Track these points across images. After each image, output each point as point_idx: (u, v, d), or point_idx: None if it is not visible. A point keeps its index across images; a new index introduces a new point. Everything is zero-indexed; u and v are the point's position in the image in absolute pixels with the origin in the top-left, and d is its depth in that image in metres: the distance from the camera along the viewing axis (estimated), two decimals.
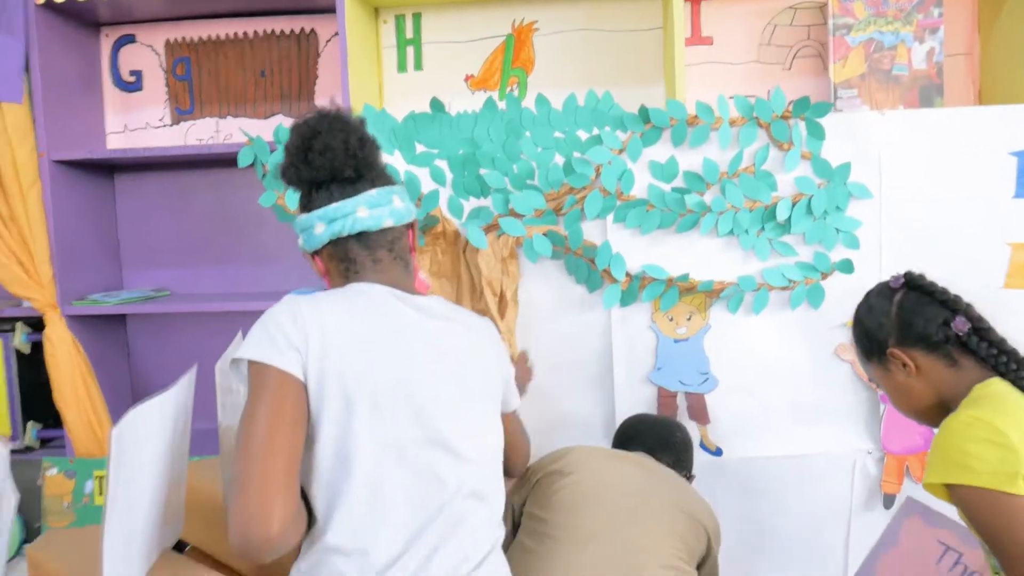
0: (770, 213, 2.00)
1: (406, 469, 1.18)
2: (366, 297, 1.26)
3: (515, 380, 1.52)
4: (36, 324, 2.32)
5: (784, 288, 2.02)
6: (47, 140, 2.23)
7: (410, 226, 1.40)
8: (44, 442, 2.43)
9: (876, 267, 2.00)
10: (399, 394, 1.18)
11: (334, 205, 1.28)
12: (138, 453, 1.19)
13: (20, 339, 2.34)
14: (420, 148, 2.07)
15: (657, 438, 1.85)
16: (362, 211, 1.29)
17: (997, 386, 1.32)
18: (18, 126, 2.18)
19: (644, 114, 2.00)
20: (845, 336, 2.04)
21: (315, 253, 1.34)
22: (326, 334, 1.17)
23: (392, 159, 2.07)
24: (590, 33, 2.35)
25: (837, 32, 2.06)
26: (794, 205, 1.99)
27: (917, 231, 1.98)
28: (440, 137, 2.06)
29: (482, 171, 2.04)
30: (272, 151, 2.08)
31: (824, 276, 2.02)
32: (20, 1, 2.17)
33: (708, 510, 1.67)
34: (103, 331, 2.47)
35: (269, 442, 1.09)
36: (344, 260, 1.31)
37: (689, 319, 2.07)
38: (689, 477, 1.86)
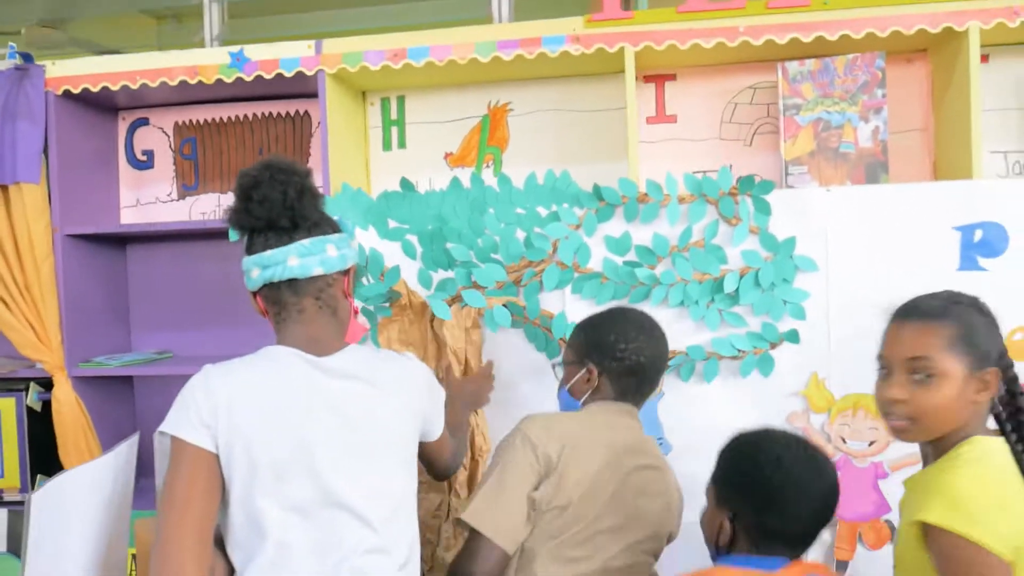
0: (719, 285, 2.08)
1: (310, 530, 1.29)
2: (275, 364, 1.37)
3: (480, 391, 1.90)
4: (48, 384, 2.51)
5: (734, 357, 2.10)
6: (61, 216, 2.44)
7: (345, 273, 1.47)
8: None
9: (824, 337, 2.07)
10: (300, 461, 1.30)
11: (268, 252, 1.38)
12: (62, 516, 1.30)
13: (32, 398, 2.53)
14: (392, 224, 2.22)
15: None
16: (292, 260, 1.38)
17: (996, 449, 1.31)
18: (35, 204, 2.39)
19: (597, 192, 2.12)
20: (797, 404, 2.09)
21: (255, 293, 1.44)
22: (233, 406, 1.30)
23: (367, 234, 2.23)
24: (561, 113, 2.48)
25: (787, 112, 2.16)
26: (742, 277, 2.07)
27: (863, 303, 2.04)
28: (411, 213, 2.21)
29: (449, 245, 2.18)
30: None
31: (773, 346, 2.09)
32: (41, 91, 2.41)
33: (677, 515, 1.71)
34: (111, 391, 2.65)
35: (182, 510, 1.23)
36: (276, 304, 1.42)
37: None
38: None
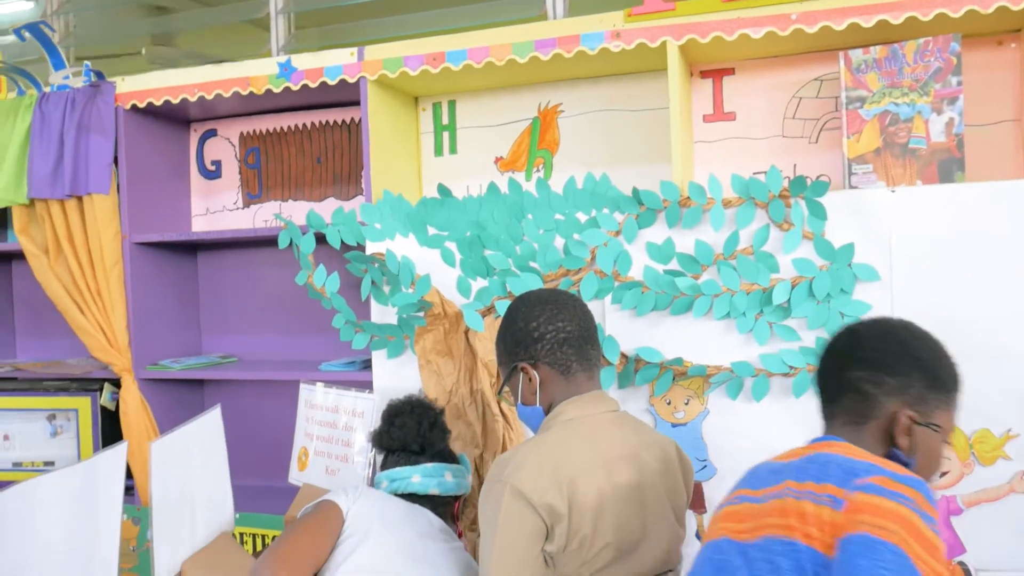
0: (768, 296, 1.92)
1: None
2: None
3: None
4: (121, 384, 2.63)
5: (786, 375, 1.93)
6: (130, 224, 2.55)
7: (457, 498, 1.84)
8: (126, 490, 2.72)
9: None
10: None
11: (397, 469, 1.79)
12: (172, 463, 1.69)
13: (107, 397, 2.66)
14: (432, 231, 2.18)
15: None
16: (416, 477, 1.77)
17: None
18: (105, 213, 2.51)
19: (637, 196, 2.00)
20: None
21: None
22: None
23: (407, 241, 2.20)
24: (613, 113, 2.37)
25: (850, 105, 1.97)
26: (794, 288, 1.90)
27: (934, 318, 1.80)
28: (449, 220, 2.16)
29: (487, 252, 2.11)
30: (304, 234, 2.27)
31: None
32: (111, 106, 2.52)
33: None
34: (180, 393, 2.75)
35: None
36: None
37: (687, 403, 2.01)
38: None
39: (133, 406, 2.53)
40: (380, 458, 1.89)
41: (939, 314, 1.81)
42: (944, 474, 1.85)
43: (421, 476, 1.77)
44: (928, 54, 1.90)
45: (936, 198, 1.84)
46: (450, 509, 1.82)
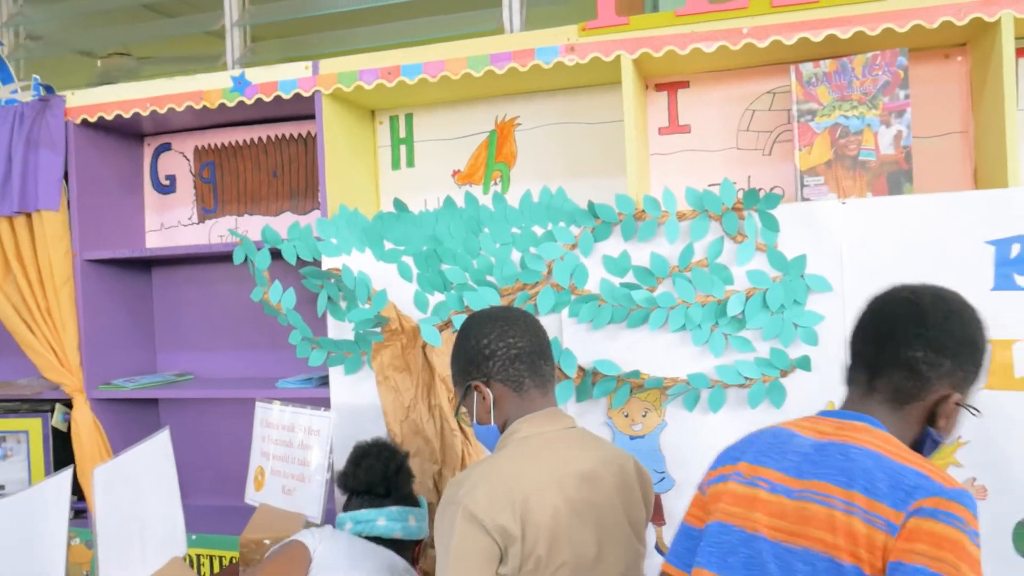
0: (723, 308, 1.93)
1: None
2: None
3: None
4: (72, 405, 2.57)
5: (741, 386, 1.94)
6: (81, 242, 2.50)
7: (418, 542, 1.85)
8: (78, 513, 2.66)
9: (840, 364, 1.87)
10: None
11: (362, 511, 1.79)
12: (118, 487, 1.65)
13: (58, 418, 2.60)
14: (388, 245, 2.16)
15: None
16: (381, 520, 1.78)
17: None
18: (55, 230, 2.45)
19: (592, 209, 2.00)
20: None
21: None
22: None
23: (363, 256, 2.18)
24: (569, 126, 2.38)
25: (802, 118, 1.99)
26: (748, 299, 1.91)
27: None
28: (406, 234, 2.15)
29: (444, 267, 2.10)
30: (259, 249, 2.24)
31: (784, 373, 1.91)
32: (61, 121, 2.47)
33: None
34: (135, 413, 2.70)
35: None
36: None
37: (645, 416, 2.01)
38: None
39: (85, 427, 2.48)
40: (344, 498, 1.88)
41: None
42: None
43: (386, 519, 1.79)
44: (876, 68, 1.93)
45: (885, 210, 1.87)
46: (411, 553, 1.83)
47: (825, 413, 1.30)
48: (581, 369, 2.02)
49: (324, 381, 2.34)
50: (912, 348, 1.22)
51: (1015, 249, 1.79)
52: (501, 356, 1.50)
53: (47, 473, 2.60)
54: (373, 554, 1.71)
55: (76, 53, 3.49)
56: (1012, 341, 1.79)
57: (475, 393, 1.54)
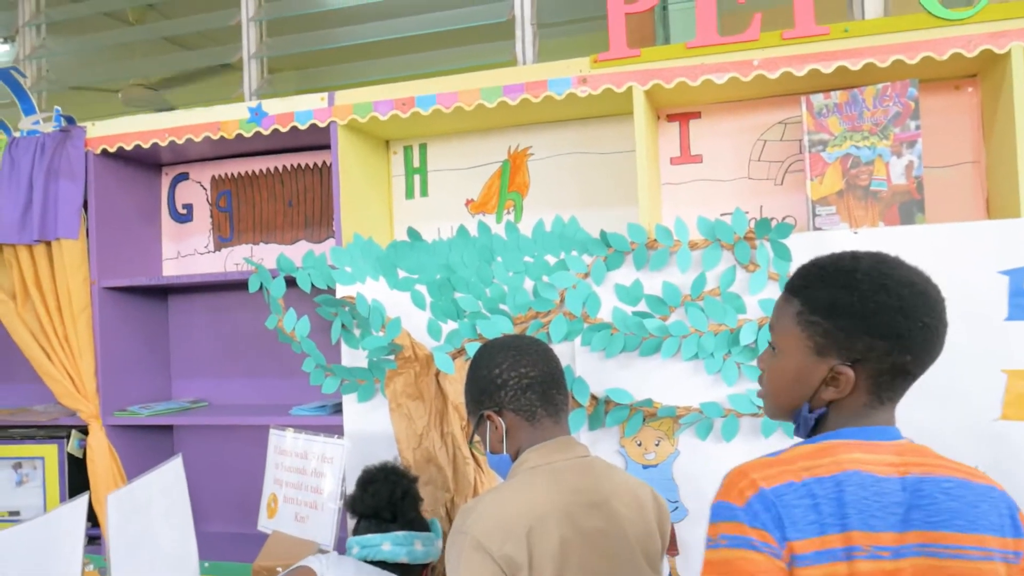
0: (736, 336, 1.93)
1: None
2: None
3: None
4: (88, 431, 2.59)
5: (754, 415, 1.93)
6: (99, 270, 2.53)
7: (425, 566, 1.85)
8: (92, 539, 2.67)
9: None
10: None
11: (367, 536, 1.80)
12: (131, 514, 1.66)
13: (74, 444, 2.61)
14: (402, 274, 2.18)
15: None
16: (386, 545, 1.78)
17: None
18: (73, 258, 2.49)
19: (605, 238, 2.01)
20: None
21: None
22: None
23: (377, 285, 2.20)
24: (582, 156, 2.40)
25: (813, 148, 2.00)
26: (761, 328, 1.92)
27: None
28: (419, 263, 2.17)
29: (457, 295, 2.12)
30: (274, 277, 2.27)
31: None
32: (81, 151, 2.52)
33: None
34: (150, 440, 2.71)
35: None
36: None
37: (658, 445, 2.01)
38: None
39: (100, 453, 2.50)
40: (353, 522, 1.90)
41: None
42: None
43: (391, 544, 1.79)
44: (887, 99, 1.94)
45: (897, 239, 1.87)
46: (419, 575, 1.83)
47: (867, 434, 1.10)
48: (594, 397, 2.03)
49: (338, 408, 2.35)
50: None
51: None
52: (513, 386, 1.51)
53: (62, 499, 2.61)
54: None
55: (97, 90, 3.56)
56: None
57: (488, 422, 1.54)
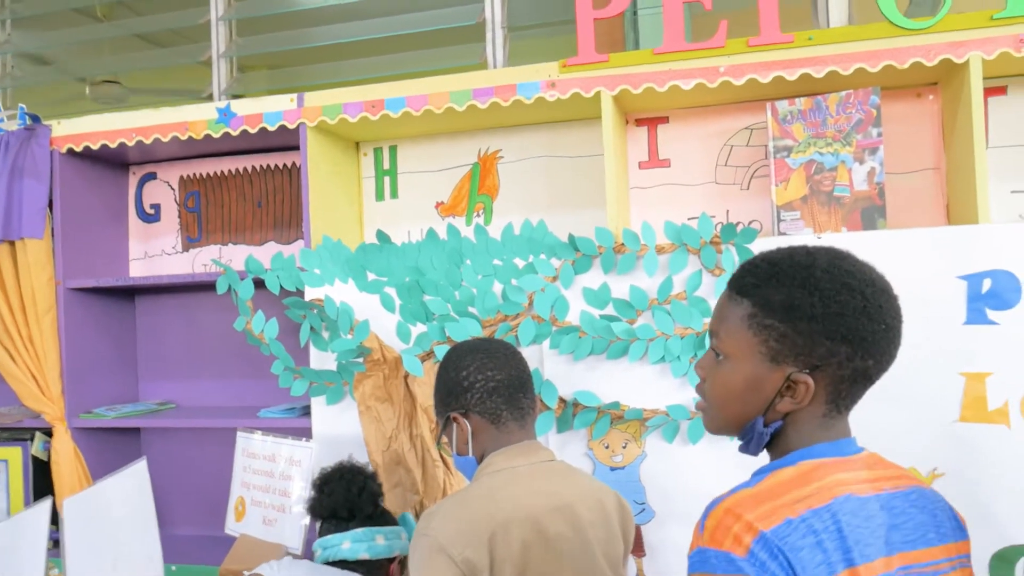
0: (702, 340, 1.96)
1: None
2: None
3: None
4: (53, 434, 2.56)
5: None
6: (64, 270, 2.50)
7: (392, 560, 1.81)
8: (57, 543, 2.64)
9: None
10: None
11: (328, 537, 1.79)
12: (89, 519, 1.63)
13: (38, 447, 2.58)
14: (371, 276, 2.18)
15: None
16: (345, 544, 1.77)
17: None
18: (38, 258, 2.46)
19: (573, 242, 2.03)
20: None
21: None
22: None
23: (346, 287, 2.20)
24: (551, 159, 2.41)
25: (778, 154, 2.03)
26: None
27: None
28: (389, 265, 2.17)
29: (426, 297, 2.12)
30: (243, 279, 2.26)
31: None
32: (46, 150, 2.49)
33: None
34: (117, 442, 2.69)
35: None
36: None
37: (625, 447, 2.03)
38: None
39: (66, 456, 2.47)
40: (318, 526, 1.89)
41: None
42: None
43: (351, 542, 1.78)
44: (850, 106, 1.97)
45: (860, 244, 1.87)
46: (384, 572, 1.81)
47: (840, 450, 1.06)
48: (562, 400, 2.04)
49: (306, 411, 2.34)
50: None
51: (986, 284, 1.83)
52: (479, 389, 1.52)
53: (27, 503, 2.58)
54: None
55: (67, 79, 3.52)
56: (985, 374, 1.82)
57: (454, 424, 1.55)
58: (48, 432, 2.59)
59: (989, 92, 2.07)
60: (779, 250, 1.08)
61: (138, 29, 3.08)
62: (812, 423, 1.05)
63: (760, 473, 1.05)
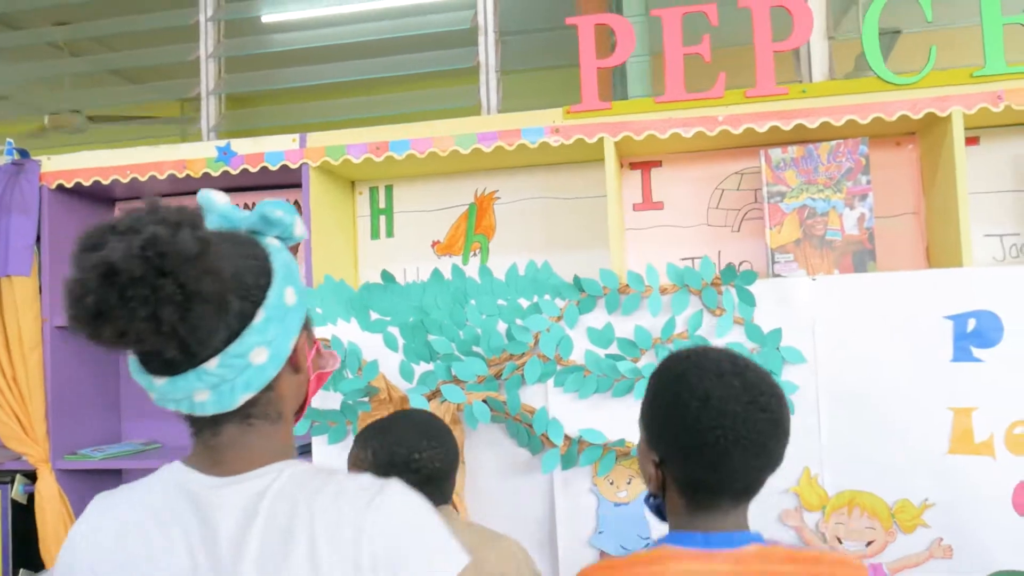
0: None
1: None
2: (153, 497, 1.05)
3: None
4: (35, 476, 2.49)
5: None
6: (51, 308, 2.46)
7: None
8: None
9: (815, 431, 1.99)
10: None
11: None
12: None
13: (18, 490, 2.51)
14: (374, 315, 2.20)
15: None
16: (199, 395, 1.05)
17: None
18: (25, 296, 2.41)
19: (578, 283, 2.08)
20: (789, 502, 2.00)
21: None
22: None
23: (348, 326, 2.21)
24: (547, 200, 2.47)
25: (772, 199, 2.13)
26: None
27: (855, 396, 1.97)
28: (392, 305, 2.19)
29: (430, 337, 2.15)
30: None
31: None
32: (35, 186, 2.45)
33: None
34: (99, 483, 2.62)
35: None
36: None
37: (629, 483, 2.08)
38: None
39: (50, 499, 2.41)
40: None
41: (860, 392, 1.98)
42: (870, 543, 1.98)
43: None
44: (840, 155, 2.08)
45: (852, 286, 2.00)
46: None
47: (696, 542, 1.12)
48: (567, 438, 2.08)
49: (305, 450, 2.33)
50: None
51: (971, 324, 1.94)
52: (422, 476, 1.60)
53: (4, 547, 2.49)
54: None
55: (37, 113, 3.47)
56: (971, 409, 1.93)
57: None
58: (28, 474, 2.52)
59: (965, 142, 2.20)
60: (683, 349, 1.23)
61: (124, 64, 3.06)
62: (676, 510, 1.17)
63: (647, 545, 1.24)
